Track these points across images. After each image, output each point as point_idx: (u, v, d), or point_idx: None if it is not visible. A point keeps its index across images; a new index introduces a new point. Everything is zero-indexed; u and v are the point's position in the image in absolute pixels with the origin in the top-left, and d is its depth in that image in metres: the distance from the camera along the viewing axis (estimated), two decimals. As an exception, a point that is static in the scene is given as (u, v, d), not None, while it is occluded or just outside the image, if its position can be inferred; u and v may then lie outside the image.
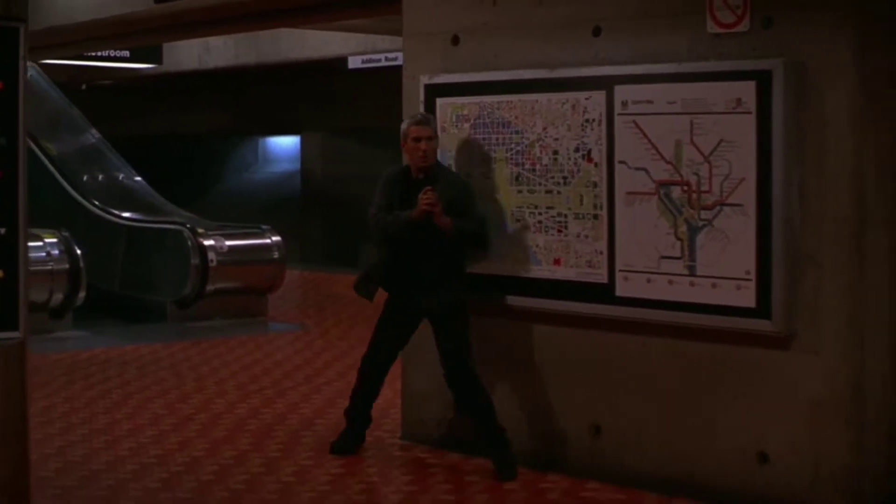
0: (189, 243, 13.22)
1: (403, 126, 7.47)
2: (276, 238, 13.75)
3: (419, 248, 7.34)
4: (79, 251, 12.22)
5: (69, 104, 15.91)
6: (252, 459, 7.77)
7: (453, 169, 7.79)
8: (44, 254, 12.03)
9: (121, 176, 15.27)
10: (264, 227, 14.05)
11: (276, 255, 13.67)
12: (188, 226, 13.45)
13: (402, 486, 7.30)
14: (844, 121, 6.43)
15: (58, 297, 12.14)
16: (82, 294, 12.25)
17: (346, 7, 9.39)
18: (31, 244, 10.65)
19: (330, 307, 15.16)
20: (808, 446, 6.59)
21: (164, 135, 24.04)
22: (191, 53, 17.06)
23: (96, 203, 14.40)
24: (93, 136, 15.64)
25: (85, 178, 14.79)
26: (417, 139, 7.38)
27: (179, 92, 21.75)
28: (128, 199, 14.85)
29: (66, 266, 12.16)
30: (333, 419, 8.70)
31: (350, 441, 7.87)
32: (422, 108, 8.02)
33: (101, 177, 15.03)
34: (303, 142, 22.12)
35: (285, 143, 23.71)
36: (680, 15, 6.99)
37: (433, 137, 7.43)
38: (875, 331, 6.56)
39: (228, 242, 13.38)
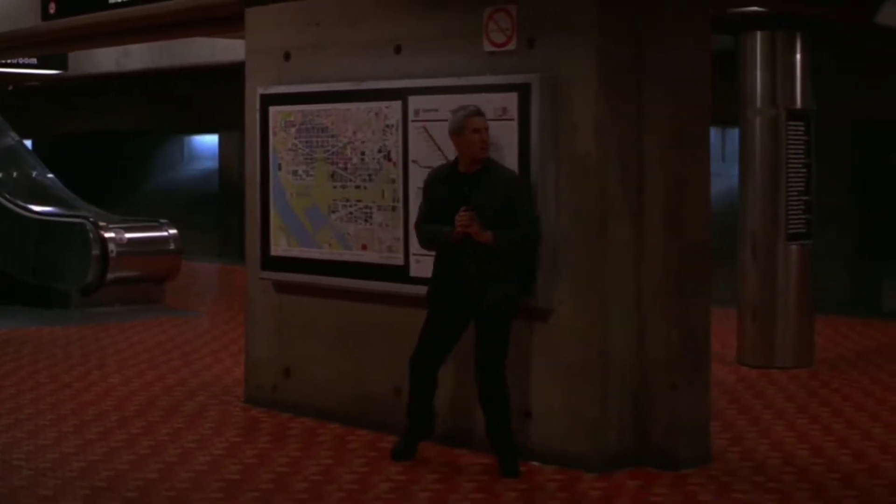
0: (91, 235, 14.35)
1: (457, 119, 7.36)
2: (172, 231, 14.87)
3: (464, 243, 7.26)
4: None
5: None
6: (109, 418, 8.96)
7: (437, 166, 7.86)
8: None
9: (34, 174, 16.37)
10: (162, 220, 15.17)
11: (172, 246, 14.79)
12: (91, 219, 14.57)
13: (230, 438, 8.44)
14: (590, 126, 7.60)
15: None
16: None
17: (195, 26, 10.53)
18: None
19: (229, 297, 16.30)
20: (562, 404, 7.75)
21: (91, 134, 25.18)
22: (109, 56, 18.13)
23: (8, 198, 15.49)
24: (11, 137, 16.73)
25: (0, 175, 15.86)
26: (476, 130, 7.28)
27: (105, 92, 22.83)
28: (40, 194, 15.93)
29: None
30: (185, 391, 9.89)
31: (408, 445, 7.81)
32: (258, 116, 9.19)
33: (15, 174, 16.11)
34: (221, 141, 23.26)
35: (209, 142, 24.81)
36: (462, 36, 8.14)
37: (488, 128, 7.37)
38: (619, 305, 7.71)
39: (127, 235, 14.50)
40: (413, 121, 8.28)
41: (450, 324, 7.51)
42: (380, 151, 8.49)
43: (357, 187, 8.64)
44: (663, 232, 7.73)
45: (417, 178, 8.22)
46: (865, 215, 18.12)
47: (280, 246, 9.12)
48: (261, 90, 9.25)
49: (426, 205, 7.50)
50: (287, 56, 9.16)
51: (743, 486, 7.33)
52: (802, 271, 11.32)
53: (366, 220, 8.59)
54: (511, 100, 7.77)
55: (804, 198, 11.26)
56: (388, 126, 8.42)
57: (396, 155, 8.39)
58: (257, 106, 9.24)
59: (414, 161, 8.29)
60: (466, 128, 7.31)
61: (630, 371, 7.79)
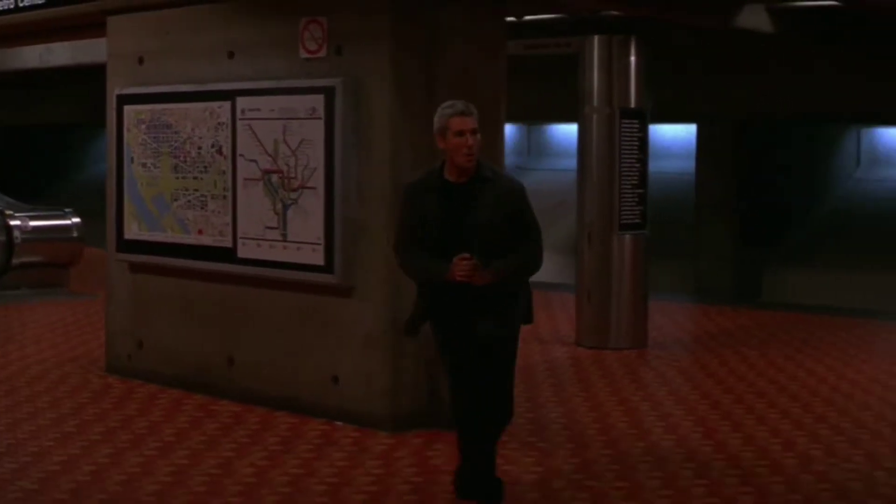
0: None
1: (438, 119, 6.30)
2: (76, 219, 15.85)
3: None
4: None
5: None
6: None
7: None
8: None
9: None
10: (67, 210, 16.15)
11: (75, 234, 15.77)
12: (-3, 208, 15.60)
13: (79, 401, 9.47)
14: (385, 123, 8.62)
15: None
16: None
17: (67, 31, 11.54)
18: None
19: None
20: (363, 370, 8.78)
21: (20, 126, 26.27)
22: (33, 53, 19.10)
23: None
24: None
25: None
26: (460, 133, 6.19)
27: (33, 87, 23.85)
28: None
29: None
30: (56, 363, 11.02)
31: (466, 479, 6.76)
32: (114, 115, 10.20)
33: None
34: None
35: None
36: (284, 44, 9.15)
37: (476, 127, 6.25)
38: (410, 283, 8.66)
39: (32, 223, 15.48)
40: (240, 119, 9.30)
41: (464, 350, 6.45)
42: (213, 146, 9.50)
43: (195, 178, 9.66)
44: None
45: (244, 170, 9.24)
46: (746, 209, 19.19)
47: (132, 230, 10.14)
48: (117, 91, 10.26)
49: (409, 223, 6.34)
50: (140, 60, 10.17)
51: (513, 445, 8.20)
52: (635, 259, 12.33)
53: (202, 208, 9.61)
54: (319, 101, 8.79)
55: (638, 191, 12.27)
56: (219, 123, 9.44)
57: (227, 149, 9.40)
58: (113, 105, 10.23)
59: (241, 155, 9.31)
60: (448, 130, 6.21)
61: (423, 340, 8.77)
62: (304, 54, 9.02)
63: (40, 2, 10.47)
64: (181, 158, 9.74)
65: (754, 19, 13.26)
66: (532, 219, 6.33)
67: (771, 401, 9.68)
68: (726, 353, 11.77)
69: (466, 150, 6.18)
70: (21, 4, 10.63)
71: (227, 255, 9.42)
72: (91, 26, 10.65)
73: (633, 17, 12.66)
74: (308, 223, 8.88)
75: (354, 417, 8.76)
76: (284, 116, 9.00)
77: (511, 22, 13.38)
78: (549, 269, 19.97)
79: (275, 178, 9.06)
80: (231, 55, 9.50)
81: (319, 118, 8.78)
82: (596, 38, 12.22)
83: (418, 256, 6.35)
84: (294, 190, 8.95)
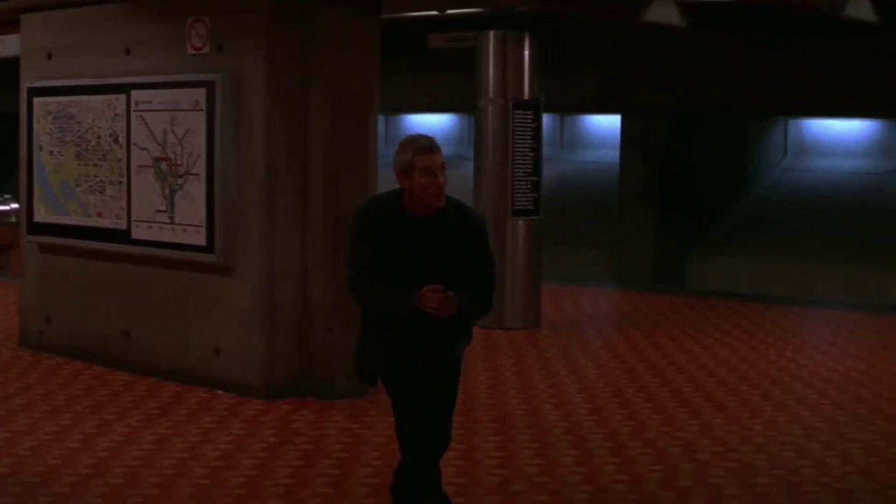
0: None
1: (403, 157, 5.66)
2: (14, 205, 16.62)
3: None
4: None
5: None
6: None
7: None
8: None
9: None
10: (6, 196, 16.94)
11: (13, 219, 16.53)
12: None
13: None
14: (260, 116, 9.39)
15: None
16: None
17: None
18: None
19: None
20: (242, 343, 9.55)
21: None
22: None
23: None
24: None
25: None
26: (429, 170, 5.61)
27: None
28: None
29: None
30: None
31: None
32: (24, 108, 10.97)
33: None
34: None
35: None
36: (173, 42, 9.91)
37: (444, 166, 5.69)
38: (286, 263, 9.50)
39: (-30, 209, 16.32)
40: (134, 111, 10.07)
41: (413, 385, 5.85)
42: (111, 136, 10.28)
43: (94, 165, 10.43)
44: (323, 203, 9.49)
45: (137, 158, 10.01)
46: (668, 199, 19.88)
47: (41, 214, 10.92)
48: (28, 84, 11.03)
49: (368, 252, 5.71)
50: (49, 55, 10.94)
51: (349, 412, 9.00)
52: (529, 243, 13.11)
53: (101, 193, 10.39)
54: (201, 94, 9.56)
55: (532, 178, 13.06)
56: (116, 115, 10.21)
57: (122, 139, 10.17)
58: (24, 97, 11.01)
59: (135, 144, 10.08)
60: (415, 167, 5.62)
61: (296, 317, 9.58)
62: (190, 51, 9.79)
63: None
64: (83, 147, 10.51)
65: (664, 14, 13.87)
66: (491, 256, 5.82)
67: (634, 376, 10.45)
68: (612, 334, 12.56)
69: (436, 190, 5.61)
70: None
71: (123, 236, 10.18)
72: (8, 23, 11.38)
73: (548, 13, 13.25)
74: (192, 207, 9.65)
75: (234, 386, 9.53)
76: (172, 108, 9.76)
77: (435, 16, 14.02)
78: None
79: (164, 165, 9.83)
80: (128, 52, 10.28)
81: (202, 110, 9.54)
82: (491, 33, 12.97)
83: (377, 289, 5.70)
84: (180, 176, 9.72)
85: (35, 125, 10.94)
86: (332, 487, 7.14)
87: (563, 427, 8.69)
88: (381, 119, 23.38)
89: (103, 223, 10.36)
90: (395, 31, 14.22)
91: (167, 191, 9.81)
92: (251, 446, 8.07)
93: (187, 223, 9.68)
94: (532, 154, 13.09)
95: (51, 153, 10.79)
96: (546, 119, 23.32)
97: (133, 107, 10.07)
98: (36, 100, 10.93)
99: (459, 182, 22.21)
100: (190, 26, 9.76)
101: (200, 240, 9.61)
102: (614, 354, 11.52)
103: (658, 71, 18.36)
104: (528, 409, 9.27)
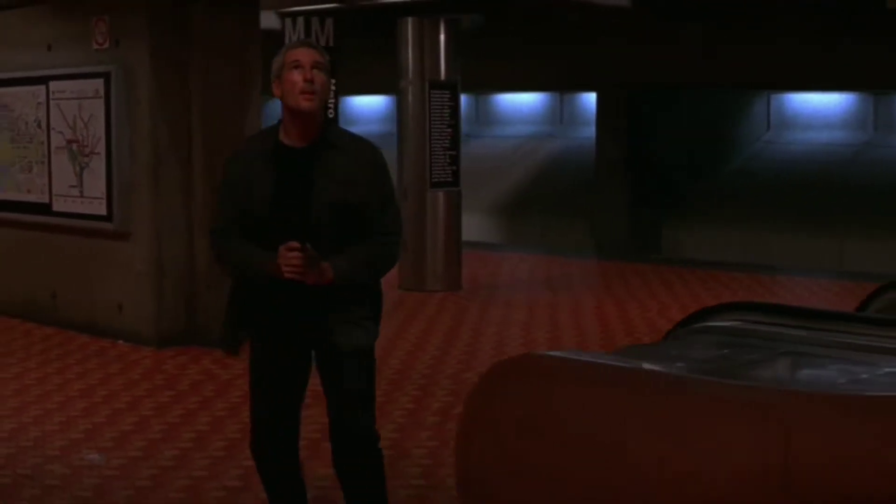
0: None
1: (275, 61, 4.74)
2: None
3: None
4: None
5: None
6: None
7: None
8: None
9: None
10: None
11: None
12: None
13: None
14: (146, 102, 10.82)
15: None
16: None
17: None
18: None
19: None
20: (140, 300, 11.02)
21: None
22: None
23: None
24: None
25: None
26: (297, 65, 4.63)
27: None
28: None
29: None
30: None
31: None
32: (-30, 95, 12.51)
33: None
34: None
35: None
36: (83, 38, 11.38)
37: (322, 63, 4.67)
38: (173, 229, 10.93)
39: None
40: (52, 99, 11.56)
41: (285, 374, 4.91)
42: (35, 122, 11.78)
43: (24, 147, 11.95)
44: (204, 174, 10.88)
45: (55, 141, 11.50)
46: (642, 169, 21.03)
47: (-15, 192, 12.49)
48: (-30, 77, 12.59)
49: (229, 199, 4.82)
50: (-11, 51, 12.49)
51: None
52: (449, 212, 14.41)
53: (29, 171, 11.90)
54: (100, 84, 11.02)
55: (450, 153, 14.36)
56: (38, 103, 11.71)
57: (44, 124, 11.67)
58: (-31, 89, 12.57)
59: (54, 129, 11.57)
60: (285, 65, 4.66)
61: (182, 276, 11.00)
62: (95, 46, 11.24)
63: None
64: (15, 132, 12.02)
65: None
66: (391, 197, 4.78)
67: (529, 331, 11.69)
68: (520, 297, 13.78)
69: (304, 86, 4.56)
70: None
71: (45, 208, 11.68)
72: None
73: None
74: (96, 182, 11.12)
75: (132, 337, 10.99)
76: (80, 97, 11.23)
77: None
78: (478, 229, 21.98)
79: (74, 146, 11.31)
80: (49, 48, 11.75)
81: (101, 98, 11.00)
82: (409, 19, 14.27)
83: (238, 244, 4.75)
84: (87, 156, 11.19)
85: (-23, 114, 12.46)
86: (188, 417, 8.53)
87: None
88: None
89: (31, 198, 11.85)
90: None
91: (78, 168, 11.28)
92: (139, 385, 9.44)
93: (93, 196, 11.14)
94: (450, 130, 14.35)
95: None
96: (543, 98, 24.53)
97: (52, 96, 11.53)
98: (-24, 91, 12.47)
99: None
100: (94, 25, 11.20)
101: (102, 210, 11.06)
102: (521, 314, 12.67)
103: (631, 48, 19.38)
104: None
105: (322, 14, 18.38)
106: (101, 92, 10.98)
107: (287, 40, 18.46)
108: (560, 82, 21.61)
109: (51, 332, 11.54)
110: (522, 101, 25.01)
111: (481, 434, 4.30)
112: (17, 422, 8.31)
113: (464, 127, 25.66)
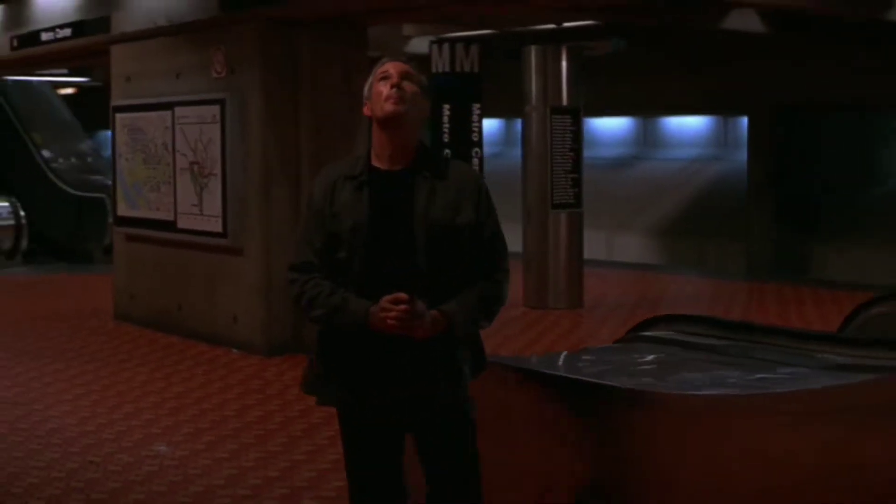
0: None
1: (370, 79, 4.32)
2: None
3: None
4: (22, 212, 18.10)
5: (65, 107, 22.00)
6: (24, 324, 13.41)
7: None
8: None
9: (89, 159, 21.11)
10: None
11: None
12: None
13: (86, 338, 12.70)
14: (257, 126, 11.57)
15: (6, 244, 18.04)
16: (25, 242, 18.14)
17: (87, 57, 14.95)
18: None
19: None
20: (252, 311, 11.76)
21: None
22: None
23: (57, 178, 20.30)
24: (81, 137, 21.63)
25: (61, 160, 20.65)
26: (386, 76, 4.24)
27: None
28: (84, 177, 20.54)
29: (12, 223, 18.08)
30: (88, 311, 14.29)
31: None
32: (112, 122, 13.48)
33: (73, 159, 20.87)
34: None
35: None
36: (205, 68, 12.20)
37: (413, 76, 4.25)
38: (280, 245, 11.61)
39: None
40: (177, 124, 12.41)
41: (378, 446, 4.32)
42: (163, 144, 12.64)
43: (154, 168, 12.82)
44: (311, 196, 11.57)
45: (180, 162, 12.34)
46: (791, 191, 21.10)
47: (122, 209, 13.39)
48: (113, 103, 13.53)
49: (313, 229, 4.28)
50: (128, 79, 13.41)
51: None
52: (570, 232, 14.84)
53: (158, 190, 12.77)
54: (217, 110, 11.81)
55: (572, 175, 14.80)
56: (166, 127, 12.57)
57: (170, 147, 12.52)
58: (111, 114, 13.52)
59: (178, 151, 12.41)
60: (374, 81, 4.27)
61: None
62: (214, 75, 12.04)
63: (65, 34, 13.81)
64: (147, 154, 12.90)
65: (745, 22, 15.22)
66: (497, 225, 4.28)
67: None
68: (641, 314, 14.06)
69: (390, 92, 4.16)
70: (44, 39, 14.05)
71: (172, 226, 12.52)
72: (99, 53, 13.93)
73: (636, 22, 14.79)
74: (214, 201, 11.90)
75: (246, 346, 11.72)
76: (200, 121, 12.03)
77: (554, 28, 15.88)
78: (639, 250, 22.46)
79: (196, 167, 12.11)
80: (178, 76, 12.60)
81: (217, 122, 11.79)
82: (533, 47, 14.77)
83: (326, 288, 4.20)
84: (206, 176, 11.98)
85: (117, 136, 13.39)
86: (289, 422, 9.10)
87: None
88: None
89: (159, 216, 12.71)
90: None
91: (198, 188, 12.08)
92: (251, 385, 10.23)
93: (211, 214, 11.92)
94: (571, 154, 14.78)
95: (127, 159, 13.23)
96: (708, 120, 24.69)
97: (177, 121, 12.37)
98: (117, 115, 13.40)
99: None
100: (213, 55, 12.00)
101: (219, 227, 11.83)
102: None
103: (778, 69, 19.46)
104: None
105: (468, 41, 19.09)
106: (218, 117, 11.74)
107: (434, 66, 19.22)
108: (713, 105, 21.82)
109: (174, 340, 12.32)
110: (688, 124, 25.24)
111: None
112: (107, 418, 9.06)
113: (631, 149, 26.11)
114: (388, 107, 4.13)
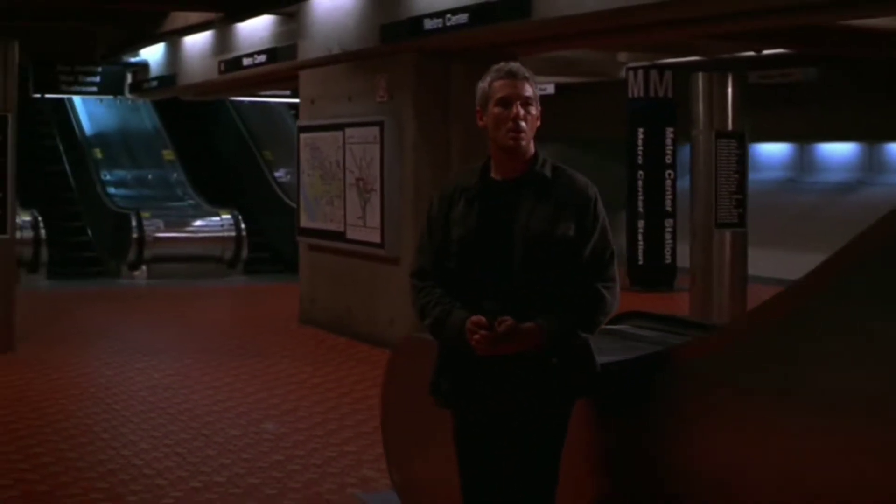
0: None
1: (480, 88, 4.36)
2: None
3: (501, 304, 4.20)
4: (243, 224, 19.65)
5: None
6: (224, 328, 14.83)
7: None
8: (219, 224, 19.58)
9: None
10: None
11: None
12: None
13: (273, 339, 14.02)
14: (411, 146, 12.68)
15: (228, 254, 19.61)
16: (245, 252, 19.67)
17: (278, 82, 16.33)
18: (210, 219, 18.18)
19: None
20: (405, 315, 12.82)
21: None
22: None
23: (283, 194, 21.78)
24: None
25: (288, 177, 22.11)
26: (505, 102, 4.25)
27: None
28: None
29: (234, 234, 19.65)
30: (281, 317, 15.63)
31: None
32: (297, 141, 14.80)
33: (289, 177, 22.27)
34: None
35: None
36: (372, 92, 13.37)
37: (531, 98, 4.27)
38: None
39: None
40: (346, 144, 13.61)
41: (486, 449, 4.38)
42: (335, 162, 13.87)
43: (328, 184, 14.05)
44: (459, 211, 12.58)
45: (348, 178, 13.53)
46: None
47: (304, 220, 14.68)
48: (298, 123, 14.84)
49: (432, 237, 4.48)
50: (312, 102, 14.69)
51: None
52: (734, 251, 15.42)
53: (331, 204, 14.00)
54: (377, 131, 12.96)
55: (736, 196, 15.39)
56: (338, 147, 13.79)
57: (340, 164, 13.73)
58: (296, 134, 14.83)
59: (346, 168, 13.62)
60: (490, 99, 4.30)
61: (439, 296, 12.70)
62: (378, 99, 13.19)
63: (261, 60, 15.22)
64: (323, 170, 14.15)
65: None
66: (607, 236, 4.29)
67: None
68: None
69: (510, 125, 4.22)
70: (244, 64, 15.50)
71: (340, 236, 13.72)
72: (292, 79, 15.29)
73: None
74: (374, 214, 13.03)
75: (398, 348, 12.78)
76: (364, 141, 13.20)
77: (751, 56, 16.56)
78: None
79: (361, 184, 13.28)
80: (350, 99, 13.81)
81: (377, 143, 12.93)
82: (700, 74, 15.43)
83: (438, 297, 4.39)
84: (368, 192, 13.13)
85: (301, 154, 14.67)
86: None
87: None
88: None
89: (332, 227, 13.92)
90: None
91: (362, 202, 13.24)
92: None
93: (372, 226, 13.06)
94: (736, 176, 15.35)
95: (308, 175, 14.50)
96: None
97: (347, 141, 13.57)
98: (301, 135, 14.68)
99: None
100: (377, 81, 13.15)
101: (378, 238, 12.96)
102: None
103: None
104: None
105: (662, 67, 19.84)
106: (378, 138, 12.87)
107: (630, 91, 20.02)
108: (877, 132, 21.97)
109: (342, 341, 13.47)
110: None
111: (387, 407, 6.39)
112: (243, 402, 10.23)
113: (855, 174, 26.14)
114: (509, 142, 4.21)
